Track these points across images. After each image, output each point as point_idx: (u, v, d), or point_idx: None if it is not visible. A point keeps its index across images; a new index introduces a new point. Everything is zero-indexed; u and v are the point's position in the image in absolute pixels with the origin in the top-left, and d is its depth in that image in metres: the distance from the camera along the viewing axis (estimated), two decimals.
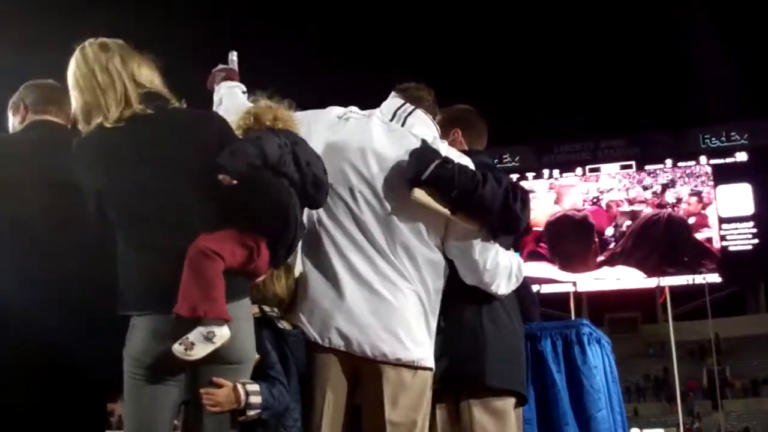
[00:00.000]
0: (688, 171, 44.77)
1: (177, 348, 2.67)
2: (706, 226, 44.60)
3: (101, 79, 2.87)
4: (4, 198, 3.09)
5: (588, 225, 41.80)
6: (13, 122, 3.41)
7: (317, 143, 3.25)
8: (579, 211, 41.10)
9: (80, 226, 2.95)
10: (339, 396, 3.19)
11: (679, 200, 44.62)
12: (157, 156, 2.85)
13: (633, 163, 43.46)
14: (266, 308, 3.16)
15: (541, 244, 40.77)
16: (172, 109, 2.96)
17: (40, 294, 3.01)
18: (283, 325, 3.15)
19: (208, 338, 2.68)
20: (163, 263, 2.74)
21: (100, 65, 2.89)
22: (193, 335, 2.68)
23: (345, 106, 3.50)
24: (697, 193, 44.66)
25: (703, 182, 44.88)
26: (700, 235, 44.32)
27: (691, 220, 44.52)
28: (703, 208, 44.67)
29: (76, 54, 2.93)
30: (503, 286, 3.40)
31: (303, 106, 3.36)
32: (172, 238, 2.77)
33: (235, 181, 2.81)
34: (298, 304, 3.25)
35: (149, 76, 2.96)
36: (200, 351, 2.68)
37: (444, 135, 3.63)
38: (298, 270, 3.31)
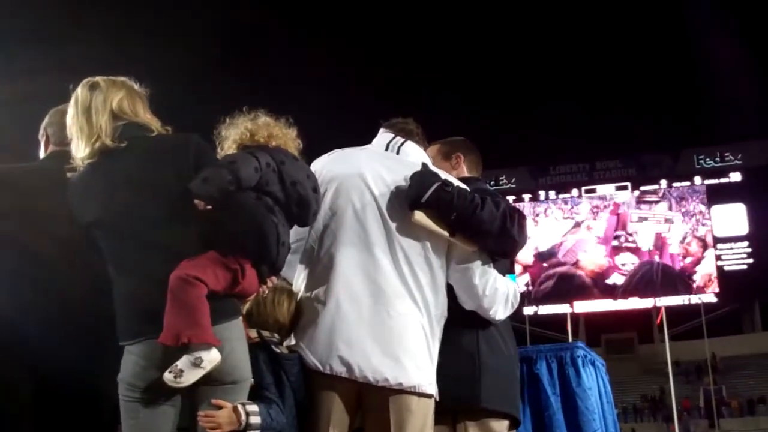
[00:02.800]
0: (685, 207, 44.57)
1: (167, 376, 2.70)
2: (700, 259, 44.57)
3: (80, 120, 2.97)
4: (21, 227, 3.12)
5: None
6: (40, 150, 3.45)
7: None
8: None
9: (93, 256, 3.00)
10: (342, 422, 3.19)
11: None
12: (136, 185, 2.90)
13: (628, 184, 43.53)
14: (265, 333, 3.17)
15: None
16: (151, 137, 3.00)
17: (52, 322, 3.04)
18: (280, 349, 3.16)
19: (196, 364, 2.71)
20: (150, 290, 2.78)
21: (84, 106, 2.98)
22: (182, 362, 2.71)
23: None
24: (701, 238, 44.50)
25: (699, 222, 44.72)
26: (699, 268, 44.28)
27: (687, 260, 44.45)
28: (705, 249, 44.58)
29: (74, 94, 3.03)
30: (501, 312, 3.44)
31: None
32: (156, 264, 2.81)
33: (209, 206, 2.86)
34: (298, 330, 3.26)
35: (132, 107, 3.01)
36: (190, 377, 2.71)
37: (446, 161, 3.73)
38: (299, 294, 3.31)
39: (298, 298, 3.30)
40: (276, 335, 3.21)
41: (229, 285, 2.86)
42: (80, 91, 3.01)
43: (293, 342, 3.26)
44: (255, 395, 2.98)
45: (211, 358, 2.73)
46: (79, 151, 2.95)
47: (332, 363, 3.12)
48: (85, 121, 2.95)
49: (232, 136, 3.17)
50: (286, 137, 3.21)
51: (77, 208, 2.98)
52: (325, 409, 3.17)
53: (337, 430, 3.17)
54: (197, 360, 2.71)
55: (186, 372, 2.70)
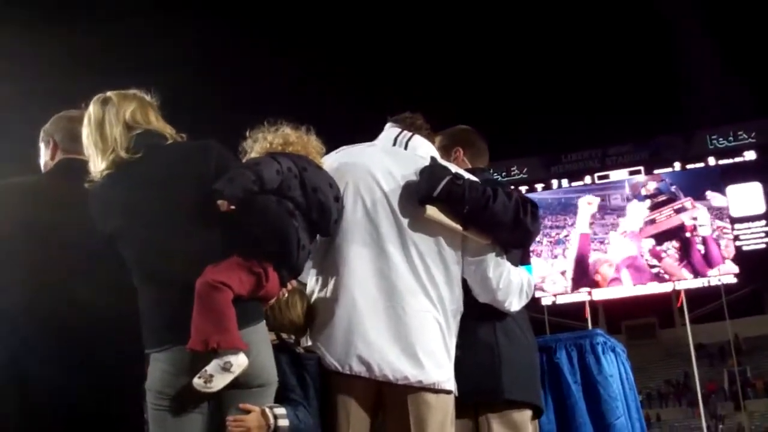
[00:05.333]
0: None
1: (197, 381, 2.72)
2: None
3: (95, 136, 3.00)
4: (35, 242, 3.13)
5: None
6: (44, 156, 3.44)
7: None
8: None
9: (116, 268, 3.00)
10: (362, 422, 3.19)
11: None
12: (155, 192, 2.92)
13: (641, 168, 43.25)
14: (283, 335, 3.19)
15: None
16: (167, 145, 3.03)
17: (72, 338, 3.05)
18: (300, 350, 3.18)
19: (226, 368, 2.73)
20: (174, 296, 2.80)
21: (97, 122, 3.01)
22: (211, 367, 2.73)
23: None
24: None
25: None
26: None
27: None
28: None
29: (87, 111, 3.06)
30: (515, 303, 3.43)
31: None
32: (179, 270, 2.82)
33: (233, 207, 2.87)
34: (314, 330, 3.26)
35: (144, 117, 3.04)
36: (219, 382, 2.73)
37: (446, 155, 3.68)
38: (312, 294, 3.32)
39: (312, 298, 3.30)
40: (293, 337, 3.22)
41: (254, 289, 2.88)
42: (93, 108, 3.04)
43: (309, 343, 3.26)
44: (280, 398, 2.98)
45: (240, 362, 2.76)
46: (97, 165, 2.99)
47: (351, 363, 3.12)
48: (99, 136, 2.99)
49: (255, 148, 3.19)
50: (307, 145, 3.23)
51: (98, 219, 3.00)
52: (344, 409, 3.17)
53: (356, 430, 3.17)
54: (226, 365, 2.73)
55: (216, 377, 2.72)
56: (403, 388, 3.12)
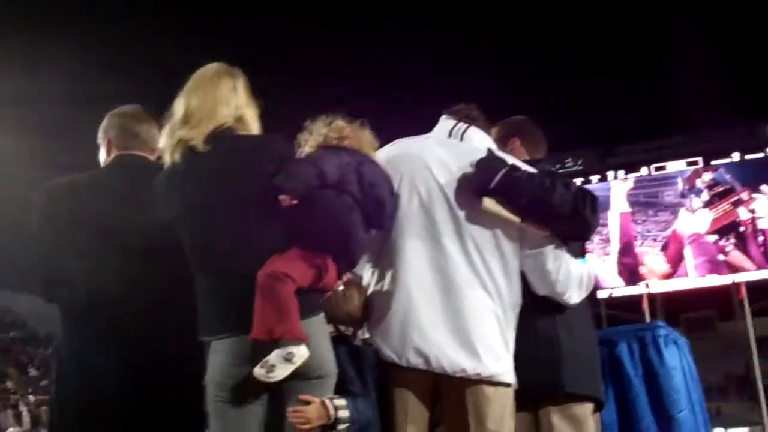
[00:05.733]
0: None
1: (258, 371, 2.74)
2: None
3: (172, 123, 3.02)
4: (95, 236, 3.20)
5: None
6: (102, 154, 3.51)
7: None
8: None
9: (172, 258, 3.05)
10: (421, 413, 3.19)
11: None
12: (220, 182, 2.94)
13: (699, 159, 42.36)
14: (341, 327, 3.22)
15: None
16: (236, 136, 3.04)
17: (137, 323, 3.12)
18: (358, 342, 3.21)
19: (288, 359, 2.75)
20: (235, 286, 2.83)
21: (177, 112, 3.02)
22: (273, 357, 2.75)
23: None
24: None
25: None
26: None
27: None
28: None
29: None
30: (575, 296, 3.40)
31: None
32: (241, 260, 2.85)
33: (294, 201, 2.90)
34: (371, 323, 3.27)
35: (216, 108, 3.03)
36: (281, 372, 2.75)
37: (502, 146, 3.64)
38: (369, 287, 3.34)
39: (368, 291, 3.31)
40: (350, 329, 3.24)
41: (314, 281, 2.92)
42: (182, 99, 3.05)
43: (366, 336, 3.28)
44: (339, 389, 3.01)
45: (301, 353, 2.78)
46: (167, 151, 3.01)
47: (408, 355, 3.12)
48: (176, 124, 3.00)
49: (310, 141, 3.21)
50: (360, 139, 3.25)
51: (161, 205, 3.04)
52: (402, 401, 3.18)
53: (414, 423, 3.18)
54: (289, 355, 2.76)
55: (277, 367, 2.75)
56: (460, 381, 3.12)
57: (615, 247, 26.53)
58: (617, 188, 27.37)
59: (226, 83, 3.05)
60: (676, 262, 27.07)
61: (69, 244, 3.22)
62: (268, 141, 3.07)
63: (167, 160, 3.01)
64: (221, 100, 3.02)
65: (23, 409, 33.11)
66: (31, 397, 36.16)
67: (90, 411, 3.13)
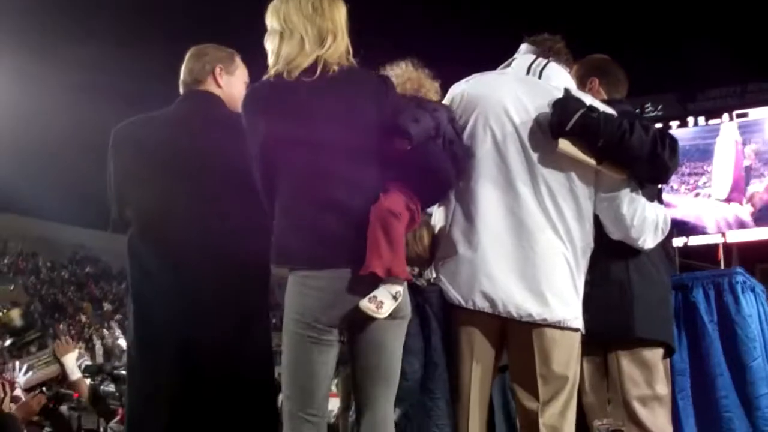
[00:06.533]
0: None
1: (367, 305, 2.73)
2: None
3: (310, 32, 2.90)
4: (152, 172, 3.26)
5: None
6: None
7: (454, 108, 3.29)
8: None
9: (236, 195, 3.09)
10: (486, 356, 3.20)
11: None
12: (334, 111, 2.88)
13: None
14: (408, 268, 3.23)
15: None
16: (350, 67, 2.97)
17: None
18: (421, 282, 3.22)
19: (395, 297, 2.77)
20: (335, 219, 2.79)
21: (309, 17, 2.91)
22: (381, 294, 2.75)
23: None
24: None
25: None
26: None
27: None
28: None
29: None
30: (650, 240, 3.35)
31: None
32: (342, 194, 2.81)
33: (409, 147, 2.88)
34: (438, 264, 3.27)
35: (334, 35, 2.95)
36: (388, 309, 2.76)
37: (581, 85, 3.57)
38: (437, 228, 3.33)
39: (437, 231, 3.31)
40: (416, 268, 3.25)
41: (409, 225, 2.92)
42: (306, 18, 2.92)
43: (432, 276, 3.28)
44: None
45: (404, 292, 2.81)
46: (290, 63, 2.89)
47: (475, 298, 3.12)
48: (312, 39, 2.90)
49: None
50: (431, 90, 3.25)
51: (258, 117, 2.90)
52: (468, 342, 3.18)
53: (480, 365, 3.18)
54: (397, 294, 2.77)
55: (386, 304, 2.75)
56: (527, 325, 3.11)
57: (724, 183, 25.69)
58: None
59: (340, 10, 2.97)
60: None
61: (133, 177, 3.29)
62: (383, 79, 3.03)
63: (290, 71, 2.88)
64: (341, 28, 2.95)
65: (97, 342, 34.29)
66: (105, 331, 37.43)
67: (145, 341, 3.21)
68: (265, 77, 2.94)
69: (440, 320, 3.18)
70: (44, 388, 5.09)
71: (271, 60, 2.94)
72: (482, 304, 3.11)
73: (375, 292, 2.74)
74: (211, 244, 3.14)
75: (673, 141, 3.24)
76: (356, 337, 2.85)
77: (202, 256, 3.15)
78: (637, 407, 3.43)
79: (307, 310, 2.78)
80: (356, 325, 2.82)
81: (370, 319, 2.76)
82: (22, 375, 5.06)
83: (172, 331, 3.15)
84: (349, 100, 2.91)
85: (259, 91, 2.97)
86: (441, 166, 3.02)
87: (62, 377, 5.23)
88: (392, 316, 2.80)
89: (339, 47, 2.91)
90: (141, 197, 3.27)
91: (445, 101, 3.34)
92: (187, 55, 3.48)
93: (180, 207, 3.21)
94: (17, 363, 5.20)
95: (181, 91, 3.50)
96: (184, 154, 3.24)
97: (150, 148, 3.30)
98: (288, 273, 2.84)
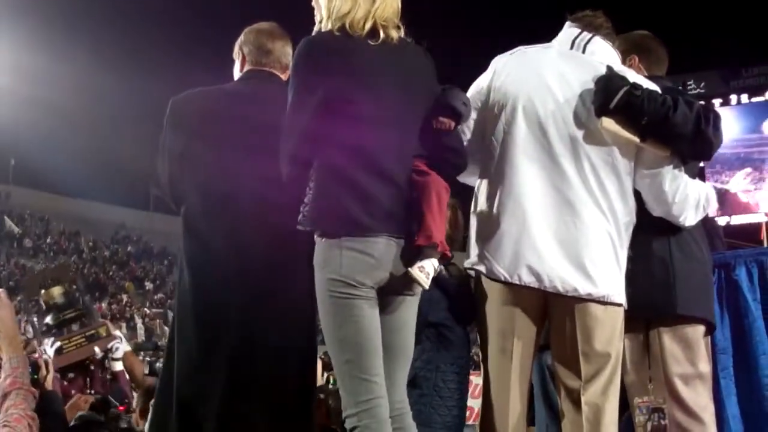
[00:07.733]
0: None
1: (418, 274, 2.77)
2: None
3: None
4: (208, 146, 3.25)
5: None
6: (236, 69, 3.54)
7: (496, 81, 3.31)
8: None
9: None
10: (529, 331, 3.20)
11: None
12: (404, 84, 2.92)
13: None
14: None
15: None
16: (404, 39, 2.98)
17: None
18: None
19: (437, 270, 2.83)
20: (390, 189, 2.81)
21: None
22: (428, 265, 2.80)
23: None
24: None
25: None
26: None
27: None
28: None
29: None
30: (691, 218, 3.33)
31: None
32: (396, 166, 2.85)
33: (451, 128, 2.96)
34: (481, 240, 3.25)
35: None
36: (429, 281, 2.81)
37: (621, 61, 3.55)
38: (478, 206, 3.32)
39: (479, 208, 3.29)
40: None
41: None
42: None
43: (476, 252, 3.25)
44: None
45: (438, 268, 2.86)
46: (348, 18, 2.88)
47: (521, 273, 3.11)
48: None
49: None
50: None
51: (318, 68, 2.86)
52: (511, 318, 3.18)
53: (522, 341, 3.18)
54: (438, 267, 2.83)
55: (431, 275, 2.80)
56: (571, 300, 3.11)
57: None
58: None
59: None
60: None
61: (197, 149, 3.27)
62: (430, 56, 3.08)
63: (351, 25, 2.87)
64: None
65: (138, 321, 34.75)
66: (146, 310, 37.96)
67: (202, 319, 3.20)
68: (316, 32, 2.95)
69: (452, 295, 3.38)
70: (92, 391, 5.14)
71: (323, 13, 2.93)
72: (528, 279, 3.11)
73: (423, 262, 2.77)
74: (268, 221, 3.11)
75: (717, 117, 3.22)
76: (381, 314, 2.85)
77: (259, 233, 3.14)
78: (679, 385, 3.42)
79: (349, 272, 2.76)
80: (389, 295, 2.85)
81: (407, 290, 2.81)
82: (51, 349, 5.09)
83: (233, 295, 3.15)
84: (412, 74, 2.95)
85: (325, 44, 2.91)
86: (463, 150, 3.10)
87: (96, 360, 5.27)
88: (415, 292, 2.86)
89: (391, 4, 2.92)
90: (206, 169, 3.26)
91: (487, 72, 3.35)
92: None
93: (246, 180, 3.18)
94: (47, 341, 5.20)
95: (240, 67, 3.51)
96: (253, 127, 3.21)
97: (221, 119, 3.29)
98: (320, 239, 2.84)
